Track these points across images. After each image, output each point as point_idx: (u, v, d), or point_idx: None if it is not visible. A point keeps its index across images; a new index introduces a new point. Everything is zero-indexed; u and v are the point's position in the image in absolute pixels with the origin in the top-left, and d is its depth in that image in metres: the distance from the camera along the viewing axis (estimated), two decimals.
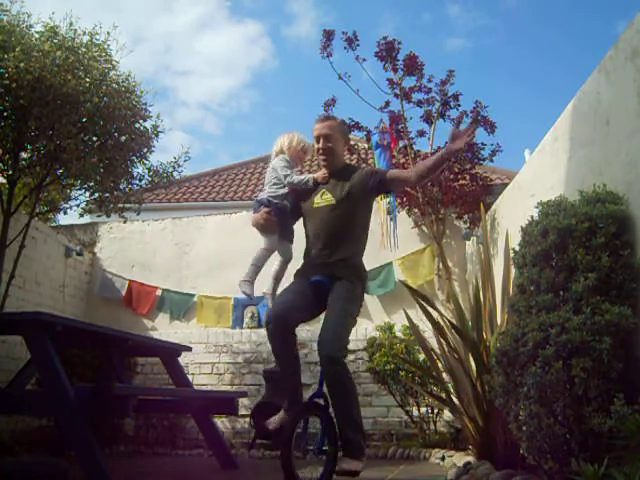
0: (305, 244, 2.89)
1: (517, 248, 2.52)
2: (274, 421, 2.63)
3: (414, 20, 38.13)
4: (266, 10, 42.22)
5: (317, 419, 2.64)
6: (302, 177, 2.90)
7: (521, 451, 2.28)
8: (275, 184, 2.91)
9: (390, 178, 2.80)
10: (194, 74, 44.67)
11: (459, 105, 5.60)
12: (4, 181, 4.79)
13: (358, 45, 5.66)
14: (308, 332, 4.95)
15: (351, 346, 5.37)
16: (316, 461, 2.58)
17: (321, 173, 2.88)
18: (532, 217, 2.47)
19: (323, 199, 2.81)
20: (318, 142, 2.86)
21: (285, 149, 2.97)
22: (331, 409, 2.60)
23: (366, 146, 6.33)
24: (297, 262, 2.90)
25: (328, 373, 2.49)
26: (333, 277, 2.69)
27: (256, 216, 2.87)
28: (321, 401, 2.66)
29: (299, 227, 2.96)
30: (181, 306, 6.10)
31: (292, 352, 2.64)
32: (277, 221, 2.86)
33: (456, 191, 5.43)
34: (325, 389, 2.60)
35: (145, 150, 5.04)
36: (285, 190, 2.89)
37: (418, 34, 35.61)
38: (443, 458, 4.00)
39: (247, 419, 5.20)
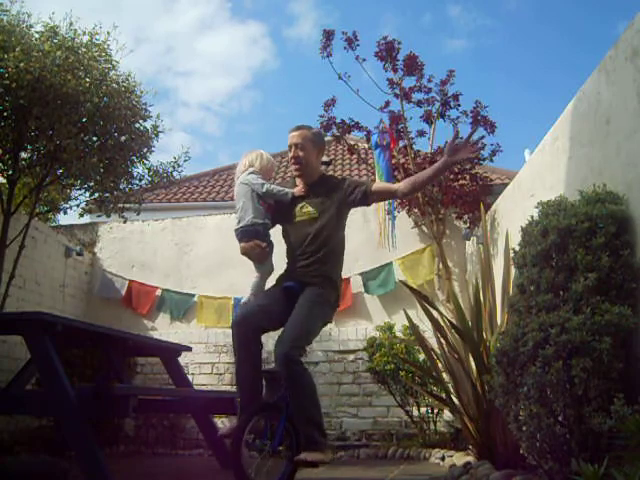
0: (286, 257, 2.88)
1: (517, 248, 2.52)
2: (226, 427, 2.63)
3: (415, 21, 38.18)
4: (267, 11, 42.31)
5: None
6: (280, 188, 2.87)
7: (521, 451, 2.27)
8: (248, 200, 2.82)
9: (374, 190, 2.80)
10: (195, 75, 44.71)
11: (459, 105, 5.60)
12: (4, 181, 4.79)
13: (358, 45, 5.67)
14: None
15: (351, 346, 5.48)
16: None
17: (298, 188, 2.87)
18: (532, 217, 2.47)
19: (304, 212, 2.82)
20: (290, 151, 2.86)
21: (257, 168, 2.92)
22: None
23: (366, 146, 6.33)
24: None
25: (283, 372, 2.47)
26: (304, 284, 2.71)
27: (246, 247, 2.80)
28: (282, 403, 2.63)
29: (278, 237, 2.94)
30: (181, 306, 6.10)
31: (253, 356, 2.59)
32: (269, 247, 2.83)
33: (456, 191, 5.43)
34: None
35: (145, 150, 5.04)
36: (261, 207, 2.83)
37: (419, 35, 35.67)
38: (443, 458, 4.00)
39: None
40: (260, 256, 2.81)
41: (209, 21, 42.25)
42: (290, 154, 2.86)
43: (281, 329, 2.64)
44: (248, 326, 2.56)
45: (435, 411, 4.81)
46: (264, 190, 2.82)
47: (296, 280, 2.73)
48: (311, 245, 2.76)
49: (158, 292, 6.17)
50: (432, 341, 3.89)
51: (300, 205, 2.83)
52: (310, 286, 2.69)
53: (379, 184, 2.96)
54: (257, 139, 43.69)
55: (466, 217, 5.52)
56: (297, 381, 2.48)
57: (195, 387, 5.03)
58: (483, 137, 2.53)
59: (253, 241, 2.79)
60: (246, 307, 2.68)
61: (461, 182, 5.54)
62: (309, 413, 2.49)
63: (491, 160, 5.61)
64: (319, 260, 2.74)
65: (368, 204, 2.93)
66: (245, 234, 2.81)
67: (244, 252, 2.83)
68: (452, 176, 5.50)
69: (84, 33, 4.63)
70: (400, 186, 2.79)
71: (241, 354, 2.58)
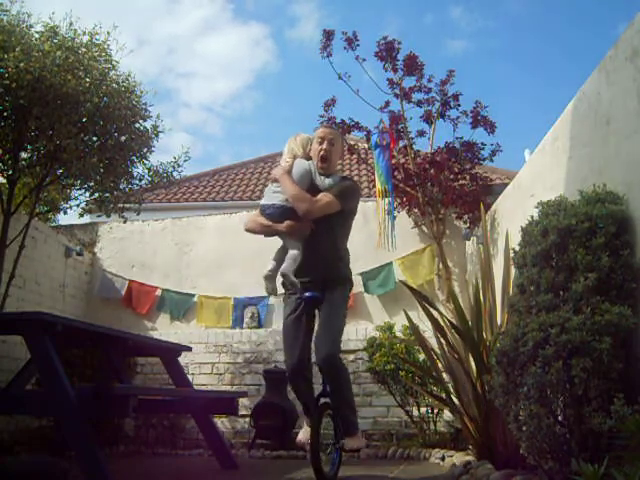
0: None
1: (517, 248, 2.52)
2: (304, 438, 2.89)
3: (416, 22, 38.20)
4: (269, 12, 42.30)
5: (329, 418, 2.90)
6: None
7: (521, 451, 2.27)
8: (303, 187, 2.88)
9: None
10: (197, 76, 44.75)
11: (459, 105, 5.61)
12: (4, 181, 4.79)
13: (358, 45, 5.68)
14: None
15: (351, 346, 5.48)
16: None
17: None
18: (532, 217, 2.47)
19: None
20: (322, 143, 2.94)
21: (308, 153, 3.01)
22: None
23: (366, 146, 6.33)
24: None
25: (327, 371, 2.72)
26: (324, 286, 2.84)
27: (302, 226, 2.84)
28: (328, 400, 2.86)
29: None
30: (181, 306, 6.10)
31: (311, 387, 2.89)
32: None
33: (456, 191, 5.43)
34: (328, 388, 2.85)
35: (145, 150, 5.04)
36: None
37: (420, 36, 35.70)
38: (443, 458, 3.99)
39: (247, 419, 5.20)
40: (305, 235, 2.87)
41: (211, 22, 42.29)
42: (322, 147, 2.94)
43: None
44: (302, 371, 2.82)
45: (435, 411, 4.80)
46: (326, 185, 2.91)
47: (315, 285, 2.83)
48: (329, 240, 2.86)
49: (158, 292, 6.17)
50: (432, 341, 3.89)
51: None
52: (330, 289, 2.82)
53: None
54: (259, 140, 43.78)
55: (466, 217, 5.52)
56: (341, 377, 2.77)
57: (195, 387, 5.03)
58: None
59: (308, 223, 2.84)
60: (290, 354, 2.84)
61: (461, 182, 5.54)
62: (350, 401, 2.84)
63: (491, 160, 5.62)
64: (337, 256, 2.90)
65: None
66: (289, 212, 2.83)
67: (294, 231, 2.85)
68: (452, 176, 5.50)
69: (84, 33, 4.63)
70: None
71: (304, 394, 2.90)
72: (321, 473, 2.70)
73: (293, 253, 2.86)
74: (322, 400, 2.85)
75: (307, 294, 2.82)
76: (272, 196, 2.90)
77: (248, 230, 3.01)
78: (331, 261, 2.88)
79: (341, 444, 2.79)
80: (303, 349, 2.80)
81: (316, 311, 2.92)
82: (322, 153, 2.93)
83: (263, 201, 2.95)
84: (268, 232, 2.94)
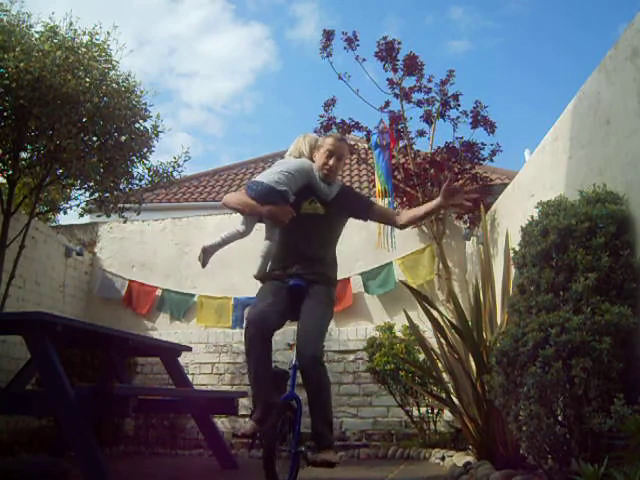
0: (279, 246, 2.88)
1: (517, 248, 2.52)
2: (247, 426, 2.66)
3: (417, 23, 38.17)
4: (270, 13, 42.29)
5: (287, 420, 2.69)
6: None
7: (521, 451, 2.27)
8: (297, 178, 2.82)
9: (374, 211, 2.93)
10: (198, 76, 44.76)
11: (459, 105, 5.60)
12: (4, 181, 4.79)
13: (358, 45, 5.68)
14: None
15: (351, 346, 5.49)
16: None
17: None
18: (532, 217, 2.47)
19: (311, 207, 2.84)
20: (330, 157, 2.84)
21: (311, 153, 2.96)
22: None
23: (366, 146, 6.33)
24: None
25: (310, 373, 2.53)
26: (310, 282, 2.74)
27: (282, 211, 2.74)
28: (294, 403, 2.70)
29: None
30: (181, 306, 6.10)
31: (268, 355, 2.65)
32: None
33: None
34: (296, 391, 2.69)
35: (145, 150, 5.04)
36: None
37: (421, 37, 35.69)
38: (443, 458, 4.00)
39: (247, 419, 5.19)
40: (285, 221, 2.78)
41: (212, 23, 42.27)
42: (330, 161, 2.83)
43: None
44: (265, 325, 2.59)
45: (435, 411, 4.80)
46: (325, 193, 2.85)
47: (301, 278, 2.74)
48: (311, 240, 2.80)
49: (158, 292, 6.17)
50: (432, 341, 3.89)
51: (310, 199, 2.85)
52: (316, 284, 2.73)
53: (381, 207, 3.14)
54: (259, 140, 43.81)
55: (466, 217, 5.52)
56: (321, 382, 2.56)
57: (195, 387, 5.03)
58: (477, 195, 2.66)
59: (287, 207, 2.75)
60: (260, 307, 2.66)
61: (461, 182, 5.54)
62: (326, 412, 2.58)
63: (491, 160, 5.62)
64: (324, 259, 2.83)
65: (365, 219, 3.00)
66: (277, 195, 2.75)
67: (274, 213, 2.76)
68: (452, 176, 5.49)
69: (84, 33, 4.63)
70: (401, 218, 2.91)
71: (258, 353, 2.63)
72: None
73: (267, 246, 2.85)
74: (286, 401, 2.69)
75: (292, 282, 2.71)
76: (269, 176, 2.81)
77: (225, 204, 2.97)
78: (325, 259, 2.83)
79: (310, 455, 2.54)
80: (274, 310, 2.62)
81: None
82: (328, 167, 2.83)
83: (258, 177, 2.87)
84: (247, 211, 2.87)
